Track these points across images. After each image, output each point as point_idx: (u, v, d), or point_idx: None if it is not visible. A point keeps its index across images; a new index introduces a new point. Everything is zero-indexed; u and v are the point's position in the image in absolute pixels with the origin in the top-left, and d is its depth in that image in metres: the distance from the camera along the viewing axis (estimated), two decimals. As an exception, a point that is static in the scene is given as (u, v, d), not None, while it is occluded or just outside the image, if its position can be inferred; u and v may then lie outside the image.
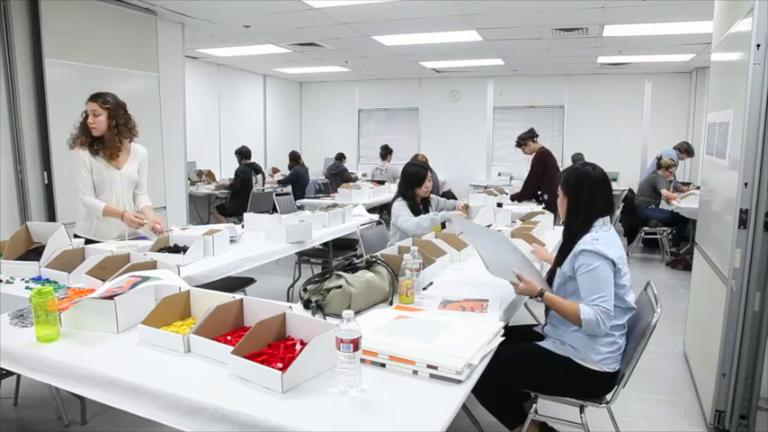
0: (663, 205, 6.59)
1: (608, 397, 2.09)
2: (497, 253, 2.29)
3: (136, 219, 3.07)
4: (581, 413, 2.10)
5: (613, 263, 2.00)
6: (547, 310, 2.30)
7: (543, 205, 5.12)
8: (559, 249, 2.28)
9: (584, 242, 2.05)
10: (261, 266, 3.18)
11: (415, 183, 3.71)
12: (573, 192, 2.19)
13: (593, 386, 2.08)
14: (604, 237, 2.07)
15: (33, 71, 4.23)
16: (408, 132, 10.32)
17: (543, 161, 5.68)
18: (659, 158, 6.72)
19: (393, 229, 3.77)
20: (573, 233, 2.16)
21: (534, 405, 2.18)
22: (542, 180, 5.57)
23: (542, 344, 2.17)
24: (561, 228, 2.32)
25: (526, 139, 5.82)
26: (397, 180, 8.09)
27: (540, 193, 5.39)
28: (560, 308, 2.06)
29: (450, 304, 2.15)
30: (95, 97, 3.09)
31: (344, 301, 1.97)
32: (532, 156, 5.81)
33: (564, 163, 8.70)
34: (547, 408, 2.33)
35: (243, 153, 7.61)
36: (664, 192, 6.51)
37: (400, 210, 3.63)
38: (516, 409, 2.21)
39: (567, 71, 8.83)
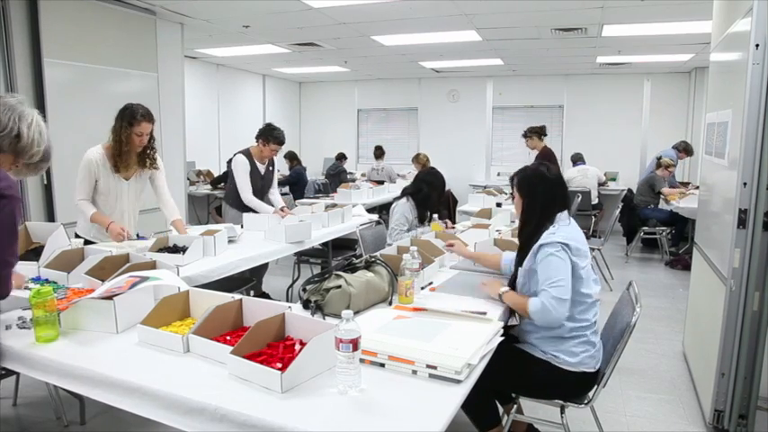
0: (662, 205, 6.60)
1: (589, 395, 2.08)
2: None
3: (120, 233, 2.95)
4: (561, 414, 2.09)
5: (568, 247, 2.00)
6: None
7: None
8: (518, 252, 2.26)
9: (541, 238, 2.06)
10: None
11: (435, 196, 3.77)
12: (528, 193, 2.19)
13: (573, 387, 2.07)
14: (563, 230, 2.06)
15: (32, 71, 4.22)
16: (408, 132, 10.31)
17: (543, 158, 5.71)
18: (659, 158, 6.73)
19: (390, 227, 3.79)
20: (529, 235, 2.15)
21: (515, 406, 2.18)
22: None
23: (522, 346, 2.14)
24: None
25: (534, 132, 5.82)
26: (395, 179, 8.15)
27: None
28: (516, 304, 2.09)
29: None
30: (151, 118, 3.05)
31: (344, 301, 1.97)
32: (535, 153, 5.83)
33: (563, 163, 8.71)
34: (526, 407, 2.33)
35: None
36: (664, 190, 6.51)
37: (400, 219, 3.67)
38: (492, 411, 2.16)
39: (566, 71, 8.83)
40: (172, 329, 1.75)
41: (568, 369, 2.02)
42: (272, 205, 4.32)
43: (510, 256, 2.55)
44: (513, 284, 2.24)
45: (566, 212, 2.16)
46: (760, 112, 2.35)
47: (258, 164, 4.26)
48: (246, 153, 4.24)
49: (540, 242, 2.05)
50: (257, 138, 4.25)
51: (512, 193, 2.32)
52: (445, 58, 7.82)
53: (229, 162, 7.64)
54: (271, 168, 4.42)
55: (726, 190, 2.73)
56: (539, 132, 5.86)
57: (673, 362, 3.58)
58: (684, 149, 7.08)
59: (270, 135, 4.18)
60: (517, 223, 4.01)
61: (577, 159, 7.93)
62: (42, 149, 1.69)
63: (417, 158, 7.58)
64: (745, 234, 2.42)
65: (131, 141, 3.03)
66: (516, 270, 2.23)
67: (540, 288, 1.98)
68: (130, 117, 2.99)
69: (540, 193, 2.16)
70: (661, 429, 2.77)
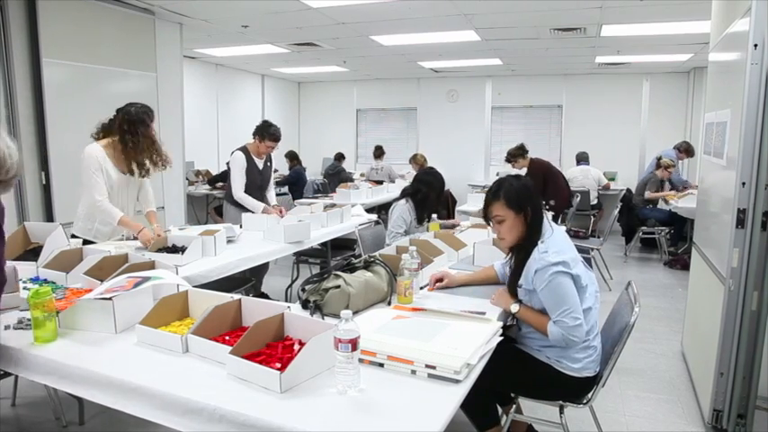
0: (661, 205, 6.61)
1: (588, 395, 2.07)
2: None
3: (149, 242, 2.96)
4: (561, 413, 2.09)
5: (566, 264, 1.94)
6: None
7: (550, 210, 5.13)
8: (512, 272, 2.16)
9: (535, 261, 1.99)
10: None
11: (434, 195, 3.76)
12: (529, 207, 2.05)
13: (573, 390, 2.06)
14: (552, 244, 2.00)
15: (31, 71, 4.21)
16: (407, 132, 10.31)
17: (541, 173, 5.69)
18: (659, 158, 6.74)
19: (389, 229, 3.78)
20: (528, 251, 2.04)
21: (514, 406, 2.18)
22: (546, 189, 5.61)
23: (522, 347, 2.13)
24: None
25: (516, 155, 5.90)
26: (394, 178, 8.14)
27: (544, 202, 5.42)
28: (533, 324, 2.03)
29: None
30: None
31: (343, 301, 1.97)
32: (524, 171, 5.86)
33: (563, 163, 8.72)
34: (526, 407, 2.33)
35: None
36: (647, 194, 6.55)
37: (397, 221, 3.66)
38: (490, 411, 2.16)
39: (565, 71, 8.83)
40: (171, 329, 1.74)
41: (570, 374, 2.01)
42: (268, 202, 4.36)
43: (501, 262, 2.51)
44: (512, 289, 2.16)
45: (545, 221, 2.10)
46: (758, 112, 2.35)
47: (256, 160, 4.30)
48: (244, 150, 4.30)
49: (534, 267, 1.98)
50: (254, 134, 4.31)
51: (492, 216, 2.10)
52: (444, 58, 7.82)
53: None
54: (269, 164, 4.45)
55: (724, 190, 2.73)
56: (520, 153, 5.92)
57: (671, 362, 3.58)
58: (686, 150, 7.09)
59: (265, 132, 4.23)
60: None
61: (581, 159, 7.93)
62: (15, 162, 1.60)
63: (415, 159, 7.59)
64: (744, 234, 2.42)
65: (150, 137, 3.08)
66: (513, 285, 2.13)
67: (554, 318, 1.95)
68: (146, 116, 3.06)
69: (536, 202, 2.06)
70: (660, 429, 2.77)
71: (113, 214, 3.06)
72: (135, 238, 3.10)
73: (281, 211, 4.18)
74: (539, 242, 2.03)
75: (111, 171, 3.10)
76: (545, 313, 2.01)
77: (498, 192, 2.08)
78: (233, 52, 7.43)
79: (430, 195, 3.72)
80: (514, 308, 2.07)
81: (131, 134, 3.02)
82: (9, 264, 2.16)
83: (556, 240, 2.04)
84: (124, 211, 3.20)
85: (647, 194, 6.58)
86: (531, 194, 2.08)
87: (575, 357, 2.00)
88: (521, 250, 2.11)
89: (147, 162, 3.11)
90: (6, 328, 1.81)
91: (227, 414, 1.30)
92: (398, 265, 2.17)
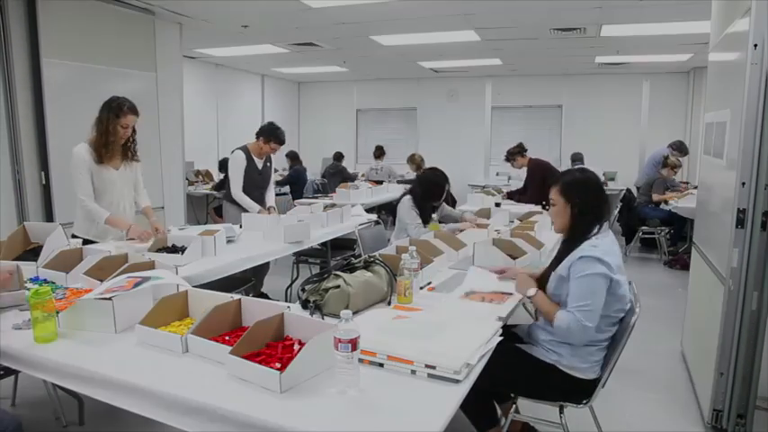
0: (661, 204, 6.61)
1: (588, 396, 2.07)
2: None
3: (144, 234, 2.97)
4: (560, 413, 2.09)
5: (609, 267, 1.94)
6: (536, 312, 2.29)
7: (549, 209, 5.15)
8: (555, 257, 2.19)
9: (583, 249, 1.99)
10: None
11: (436, 195, 3.77)
12: (581, 199, 2.07)
13: (575, 391, 2.06)
14: (603, 244, 2.01)
15: (31, 71, 4.21)
16: (407, 132, 10.31)
17: (541, 173, 5.71)
18: (666, 157, 6.72)
19: (399, 225, 3.77)
20: (576, 241, 2.07)
21: (514, 405, 2.18)
22: (545, 189, 5.61)
23: (526, 348, 2.13)
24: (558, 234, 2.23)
25: (515, 154, 5.93)
26: (394, 178, 8.14)
27: (544, 203, 5.42)
28: (543, 310, 2.06)
29: (472, 294, 2.23)
30: (136, 111, 3.11)
31: (343, 301, 1.97)
32: (524, 170, 5.87)
33: (562, 162, 8.72)
34: (525, 407, 2.33)
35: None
36: (655, 196, 6.54)
37: (410, 214, 3.67)
38: (491, 412, 2.18)
39: (565, 71, 8.83)
40: (170, 330, 1.74)
41: (573, 375, 2.01)
42: (266, 202, 4.40)
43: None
44: (542, 282, 2.19)
45: (606, 223, 2.11)
46: (758, 112, 2.35)
47: (256, 159, 4.33)
48: (244, 149, 4.32)
49: (580, 253, 1.97)
50: (258, 135, 4.32)
51: (549, 198, 2.17)
52: (444, 58, 7.82)
53: (226, 160, 7.67)
54: (268, 164, 4.48)
55: (724, 190, 2.73)
56: (519, 152, 5.94)
57: (671, 362, 3.58)
58: (678, 148, 7.09)
59: (272, 134, 4.28)
60: (517, 223, 4.03)
61: (576, 159, 7.94)
62: None
63: (412, 159, 7.61)
64: (744, 234, 2.42)
65: (117, 132, 3.06)
66: (549, 271, 2.17)
67: (569, 306, 1.94)
68: (117, 109, 3.04)
69: (592, 198, 2.08)
70: (660, 429, 2.77)
71: (99, 213, 3.06)
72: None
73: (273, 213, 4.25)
74: (590, 237, 2.05)
75: (100, 168, 3.10)
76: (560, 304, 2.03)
77: (560, 178, 2.17)
78: (233, 52, 7.43)
79: (418, 193, 3.73)
80: (531, 291, 2.10)
81: (99, 120, 3.07)
82: (12, 263, 2.18)
83: (607, 242, 2.04)
84: (121, 207, 3.20)
85: (655, 197, 6.55)
86: (586, 190, 2.09)
87: (583, 358, 2.01)
88: (568, 241, 2.13)
89: (115, 151, 3.12)
90: (14, 327, 1.81)
91: (227, 414, 1.30)
92: (398, 265, 2.17)
